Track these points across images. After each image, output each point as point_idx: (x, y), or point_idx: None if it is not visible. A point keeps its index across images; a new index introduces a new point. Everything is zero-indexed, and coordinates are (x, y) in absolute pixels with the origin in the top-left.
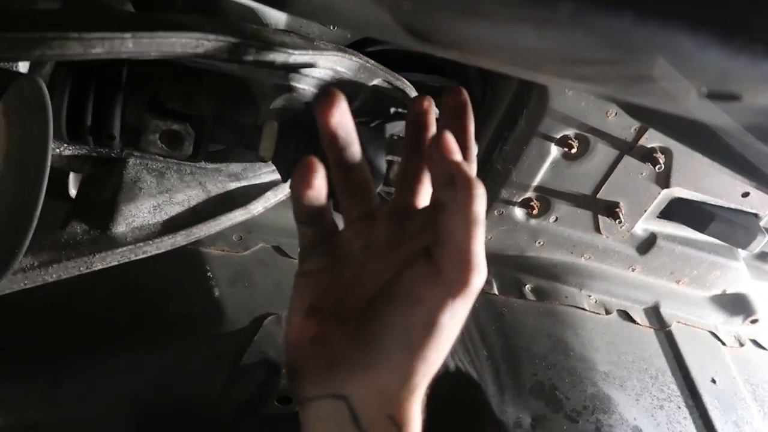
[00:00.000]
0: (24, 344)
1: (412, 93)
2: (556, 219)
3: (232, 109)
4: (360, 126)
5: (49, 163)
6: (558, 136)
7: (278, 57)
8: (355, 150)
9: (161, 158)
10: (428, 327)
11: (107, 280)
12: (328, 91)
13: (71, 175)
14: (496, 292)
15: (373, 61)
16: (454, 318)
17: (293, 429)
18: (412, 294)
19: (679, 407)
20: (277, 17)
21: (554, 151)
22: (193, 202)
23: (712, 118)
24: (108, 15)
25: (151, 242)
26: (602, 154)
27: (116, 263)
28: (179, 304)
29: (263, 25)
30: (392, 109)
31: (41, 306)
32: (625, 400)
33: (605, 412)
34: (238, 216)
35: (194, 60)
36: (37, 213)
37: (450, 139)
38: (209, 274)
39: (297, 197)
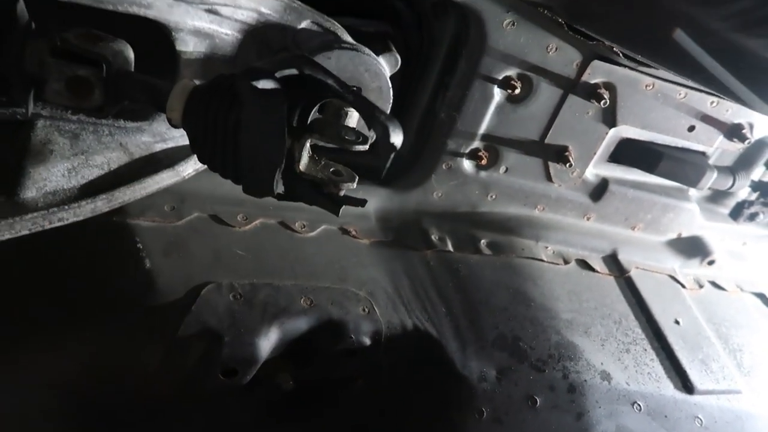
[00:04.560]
0: None
1: (345, 36)
2: (506, 170)
3: (146, 59)
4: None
5: None
6: (500, 77)
7: None
8: None
9: (73, 117)
10: None
11: (27, 254)
12: None
13: None
14: (451, 249)
15: (300, 2)
16: None
17: (241, 404)
18: None
19: (645, 349)
20: None
21: (498, 94)
22: (114, 165)
23: None
24: None
25: (67, 208)
26: (546, 93)
27: (28, 231)
28: (108, 278)
29: None
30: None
31: None
32: (591, 346)
33: (571, 359)
34: (165, 179)
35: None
36: None
37: None
38: (139, 245)
39: None
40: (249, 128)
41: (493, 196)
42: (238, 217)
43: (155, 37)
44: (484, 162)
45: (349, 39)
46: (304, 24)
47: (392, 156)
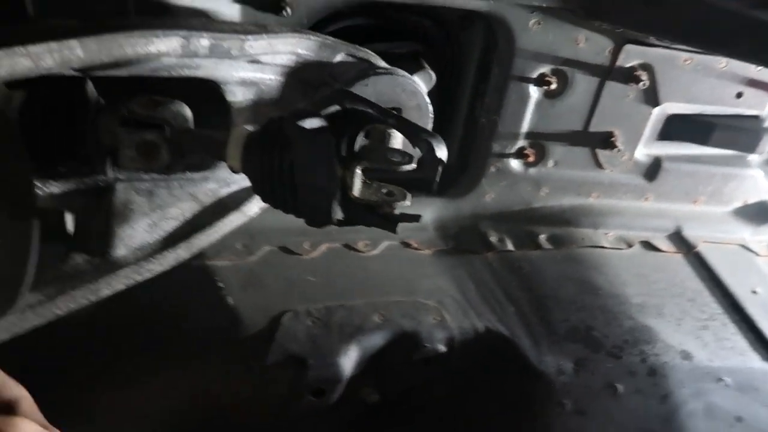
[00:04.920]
0: (52, 374)
1: (378, 62)
2: (555, 163)
3: (202, 114)
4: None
5: (34, 195)
6: (534, 76)
7: (233, 45)
8: None
9: (147, 176)
10: None
11: (123, 306)
12: None
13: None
14: (512, 248)
15: (332, 38)
16: None
17: (332, 421)
18: None
19: (725, 324)
20: (232, 15)
21: (534, 92)
22: (188, 214)
23: None
24: (54, 27)
25: (153, 260)
26: (583, 84)
27: (123, 287)
28: (195, 317)
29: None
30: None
31: (63, 338)
32: (666, 327)
33: (648, 343)
34: (234, 220)
35: (157, 69)
36: (34, 249)
37: None
38: (220, 284)
39: None
40: (302, 167)
41: (546, 191)
42: (305, 246)
43: (207, 92)
44: (531, 159)
45: (383, 64)
46: (339, 57)
47: (440, 169)
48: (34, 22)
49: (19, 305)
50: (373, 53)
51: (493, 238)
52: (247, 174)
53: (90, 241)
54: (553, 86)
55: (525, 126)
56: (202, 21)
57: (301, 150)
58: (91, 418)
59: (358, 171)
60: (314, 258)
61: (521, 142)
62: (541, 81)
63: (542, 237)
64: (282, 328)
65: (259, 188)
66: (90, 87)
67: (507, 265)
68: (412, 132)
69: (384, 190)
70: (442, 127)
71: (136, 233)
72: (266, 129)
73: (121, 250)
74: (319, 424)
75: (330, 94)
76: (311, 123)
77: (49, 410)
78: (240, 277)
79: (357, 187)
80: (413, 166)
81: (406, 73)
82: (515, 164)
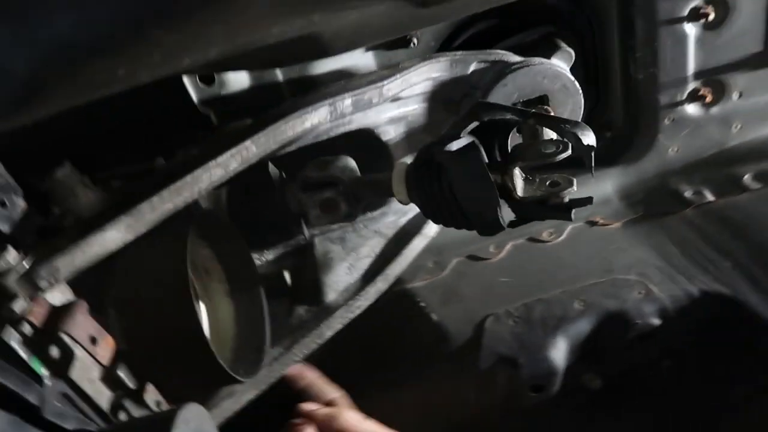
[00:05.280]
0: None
1: (511, 58)
2: (741, 94)
3: (367, 158)
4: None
5: (254, 266)
6: (685, 13)
7: (372, 94)
8: None
9: (335, 227)
10: None
11: (343, 342)
12: None
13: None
14: (712, 199)
15: (461, 51)
16: None
17: (558, 411)
18: None
19: None
20: (368, 64)
21: (691, 29)
22: (378, 249)
23: None
24: (230, 132)
25: (359, 297)
26: (747, 3)
27: (341, 326)
28: (409, 338)
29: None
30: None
31: None
32: None
33: None
34: (418, 244)
35: (319, 134)
36: (265, 311)
37: None
38: (422, 303)
39: None
40: (460, 186)
41: (738, 126)
42: (491, 249)
43: (366, 138)
44: (709, 99)
45: (516, 58)
46: (472, 67)
47: (593, 155)
48: (218, 129)
49: (266, 361)
50: (504, 52)
51: (688, 193)
52: (414, 203)
53: (306, 292)
54: (712, 16)
55: (690, 68)
56: (341, 84)
57: (455, 171)
58: None
59: (517, 171)
60: (502, 258)
61: (692, 85)
62: (695, 15)
63: (747, 177)
64: (487, 332)
65: (428, 213)
66: (271, 167)
67: (712, 218)
68: (555, 126)
69: (548, 182)
70: (599, 96)
71: (339, 277)
72: (419, 159)
73: (330, 296)
74: (549, 416)
75: (466, 114)
76: (458, 143)
77: None
78: (438, 293)
79: (520, 187)
80: (569, 152)
81: (542, 59)
82: (692, 109)
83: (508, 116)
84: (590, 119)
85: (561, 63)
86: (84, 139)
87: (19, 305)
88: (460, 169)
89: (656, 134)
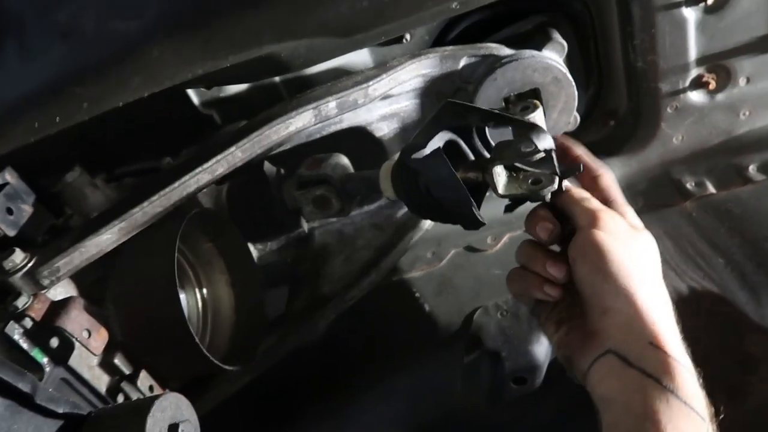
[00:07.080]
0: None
1: (502, 51)
2: (748, 79)
3: (363, 156)
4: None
5: (251, 256)
6: None
7: (358, 95)
8: None
9: (332, 219)
10: (601, 266)
11: (338, 329)
12: None
13: None
14: (714, 190)
15: (450, 46)
16: (609, 242)
17: (543, 402)
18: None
19: None
20: (365, 60)
21: (690, 13)
22: (374, 242)
23: None
24: (217, 140)
25: (353, 288)
26: None
27: (335, 316)
28: (401, 326)
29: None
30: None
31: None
32: None
33: None
34: (413, 236)
35: (311, 134)
36: (263, 298)
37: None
38: (417, 294)
39: None
40: (434, 187)
41: (746, 113)
42: (488, 240)
43: (360, 135)
44: (713, 86)
45: (507, 51)
46: (463, 62)
47: (553, 156)
48: (215, 132)
49: (262, 348)
50: (495, 45)
51: (690, 184)
52: (401, 199)
53: (302, 284)
54: (711, 0)
55: (692, 53)
56: (326, 87)
57: (426, 175)
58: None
59: (499, 169)
60: (498, 251)
61: (694, 71)
62: None
63: (752, 168)
64: (474, 325)
65: (414, 209)
66: (267, 166)
67: (710, 211)
68: (513, 130)
69: (530, 180)
70: (602, 85)
71: (334, 269)
72: (400, 160)
73: (326, 287)
74: (536, 405)
75: (432, 117)
76: (431, 145)
77: (298, 418)
78: (433, 284)
79: (502, 184)
80: (542, 153)
81: (532, 52)
82: (696, 96)
83: (470, 119)
84: (595, 107)
85: (553, 55)
86: (97, 142)
87: (22, 301)
88: (430, 173)
89: (659, 123)
